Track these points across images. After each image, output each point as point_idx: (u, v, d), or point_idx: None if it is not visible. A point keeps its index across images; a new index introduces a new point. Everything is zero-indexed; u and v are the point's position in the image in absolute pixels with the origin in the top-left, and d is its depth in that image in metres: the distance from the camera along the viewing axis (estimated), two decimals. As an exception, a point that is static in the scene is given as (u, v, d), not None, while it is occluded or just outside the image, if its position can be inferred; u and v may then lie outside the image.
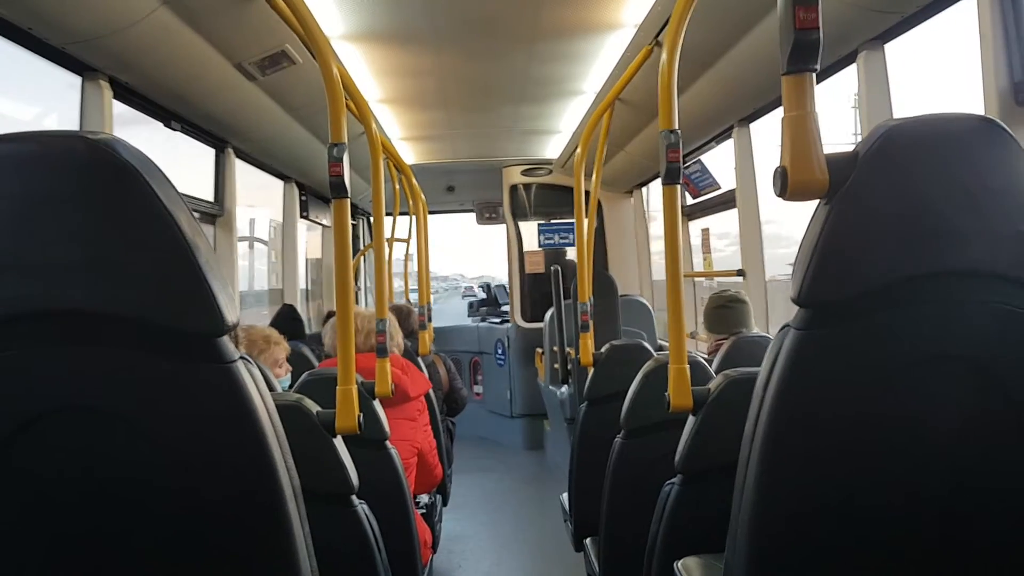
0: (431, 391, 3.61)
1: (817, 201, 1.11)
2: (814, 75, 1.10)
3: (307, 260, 5.56)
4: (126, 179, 0.95)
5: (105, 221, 0.95)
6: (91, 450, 0.98)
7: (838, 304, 1.08)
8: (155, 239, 0.96)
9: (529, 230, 6.45)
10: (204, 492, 1.00)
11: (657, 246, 6.02)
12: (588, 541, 2.88)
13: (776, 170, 1.10)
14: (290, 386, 2.45)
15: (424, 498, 3.07)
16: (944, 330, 1.09)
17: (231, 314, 1.00)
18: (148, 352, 0.97)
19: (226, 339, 1.01)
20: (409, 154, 5.67)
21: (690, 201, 4.68)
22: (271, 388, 1.72)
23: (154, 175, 0.97)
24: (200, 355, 0.99)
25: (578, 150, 3.31)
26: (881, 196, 1.06)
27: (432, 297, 4.56)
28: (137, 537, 1.00)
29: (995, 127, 1.09)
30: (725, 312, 2.91)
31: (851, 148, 1.09)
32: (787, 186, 1.08)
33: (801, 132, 1.08)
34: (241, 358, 1.02)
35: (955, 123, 1.10)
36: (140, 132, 2.95)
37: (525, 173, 6.31)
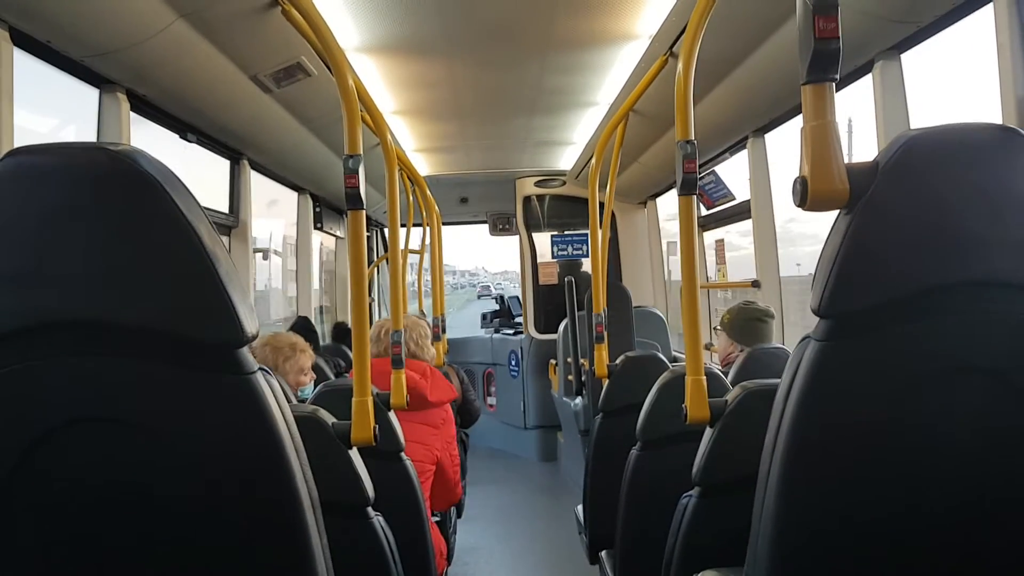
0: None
1: (837, 212, 1.10)
2: (834, 85, 1.09)
3: (321, 270, 5.58)
4: (147, 190, 0.95)
5: (126, 232, 0.96)
6: (111, 460, 0.98)
7: (859, 315, 1.07)
8: (175, 250, 0.96)
9: (542, 241, 6.45)
10: (223, 503, 1.00)
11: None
12: (603, 554, 2.86)
13: (796, 180, 1.09)
14: None
15: None
16: (967, 341, 1.07)
17: (251, 325, 1.00)
18: (168, 363, 0.97)
19: (246, 350, 1.01)
20: (422, 165, 5.68)
21: (704, 212, 4.67)
22: (287, 399, 1.72)
23: (175, 186, 0.97)
24: (220, 366, 0.99)
25: (592, 161, 3.30)
26: (902, 206, 1.05)
27: (447, 298, 4.56)
28: (156, 547, 1.00)
29: (1017, 136, 1.08)
30: (760, 325, 2.89)
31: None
32: (807, 196, 1.07)
33: (821, 142, 1.08)
34: (260, 369, 1.02)
35: (976, 132, 1.09)
36: (153, 144, 2.97)
37: (538, 184, 6.30)
